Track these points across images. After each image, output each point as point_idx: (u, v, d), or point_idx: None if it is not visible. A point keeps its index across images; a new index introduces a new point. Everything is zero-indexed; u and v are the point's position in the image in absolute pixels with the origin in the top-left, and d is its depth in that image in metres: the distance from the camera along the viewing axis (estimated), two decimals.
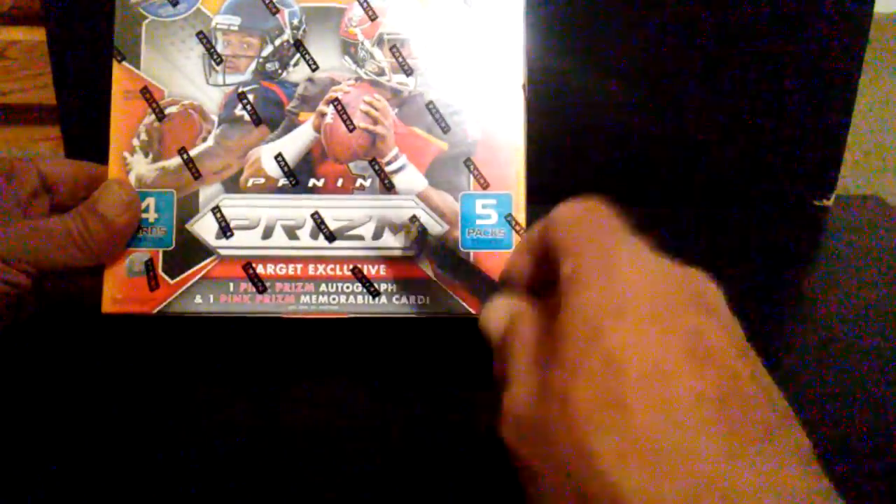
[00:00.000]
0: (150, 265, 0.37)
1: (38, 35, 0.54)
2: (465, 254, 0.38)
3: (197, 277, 0.37)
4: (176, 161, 0.38)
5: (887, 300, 0.49)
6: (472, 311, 0.37)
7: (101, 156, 0.38)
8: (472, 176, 0.38)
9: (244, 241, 0.37)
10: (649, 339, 0.22)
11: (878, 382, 0.42)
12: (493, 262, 0.37)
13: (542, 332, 0.25)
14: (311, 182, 0.38)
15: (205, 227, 0.37)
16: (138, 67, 0.39)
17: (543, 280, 0.28)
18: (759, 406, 0.22)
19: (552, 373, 0.23)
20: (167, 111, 0.38)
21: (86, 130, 0.54)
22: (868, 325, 0.46)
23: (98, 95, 0.39)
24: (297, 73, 0.39)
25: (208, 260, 0.37)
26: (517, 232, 0.38)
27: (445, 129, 0.39)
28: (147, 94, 0.38)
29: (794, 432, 0.22)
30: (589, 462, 0.21)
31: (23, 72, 0.56)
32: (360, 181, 0.38)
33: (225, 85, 0.39)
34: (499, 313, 0.28)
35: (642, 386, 0.21)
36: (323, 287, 0.37)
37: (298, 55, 0.39)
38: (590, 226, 0.26)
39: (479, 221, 0.38)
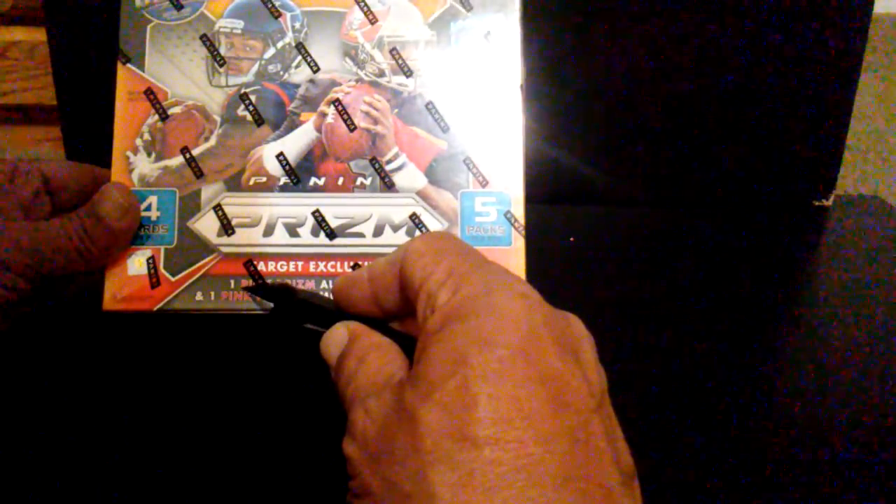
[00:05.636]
0: (151, 263, 0.37)
1: (38, 35, 0.55)
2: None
3: (198, 275, 0.37)
4: (178, 160, 0.38)
5: (887, 300, 0.49)
6: None
7: (101, 156, 0.39)
8: (471, 174, 0.38)
9: (245, 239, 0.37)
10: (512, 375, 0.21)
11: (878, 382, 0.42)
12: (493, 259, 0.37)
13: (391, 355, 0.25)
14: (312, 180, 0.38)
15: (206, 225, 0.38)
16: (142, 69, 0.39)
17: (387, 308, 0.27)
18: (606, 466, 0.21)
19: (407, 394, 0.22)
20: (170, 112, 0.39)
21: (86, 131, 0.54)
22: (868, 324, 0.46)
23: (99, 96, 0.40)
24: (299, 74, 0.40)
25: (210, 257, 0.37)
26: (516, 229, 0.38)
27: (444, 129, 0.39)
28: (151, 95, 0.39)
29: (634, 498, 0.22)
30: (426, 491, 0.20)
31: (23, 72, 0.56)
32: (360, 180, 0.38)
33: (227, 86, 0.39)
34: (337, 336, 0.27)
35: (495, 422, 0.20)
36: (324, 284, 0.37)
37: (300, 57, 0.40)
38: (461, 258, 0.25)
39: (478, 219, 0.38)
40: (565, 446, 0.20)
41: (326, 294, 0.36)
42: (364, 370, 0.25)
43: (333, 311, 0.29)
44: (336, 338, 0.27)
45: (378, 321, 0.28)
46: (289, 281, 0.36)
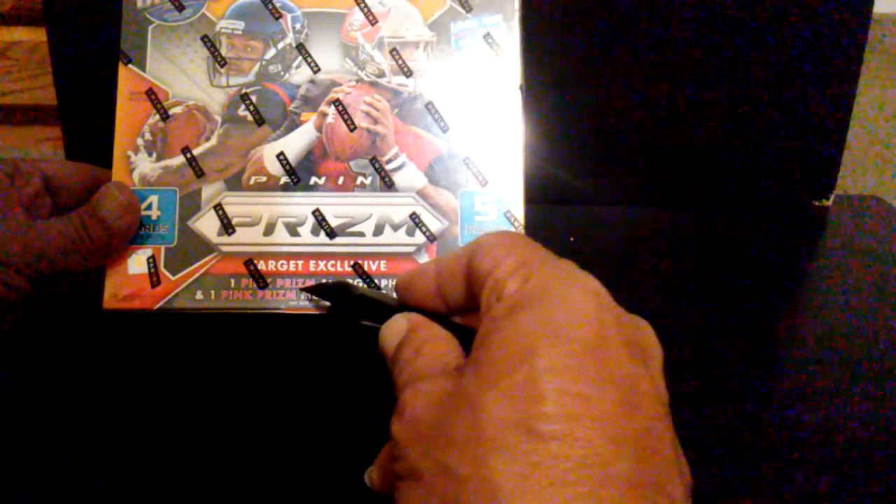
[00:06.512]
0: (151, 262, 0.37)
1: (39, 35, 0.55)
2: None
3: (198, 274, 0.37)
4: (179, 160, 0.38)
5: (887, 300, 0.49)
6: None
7: (101, 156, 0.39)
8: (471, 174, 0.39)
9: (246, 238, 0.38)
10: (582, 372, 0.20)
11: (877, 381, 0.42)
12: None
13: (449, 347, 0.25)
14: (313, 180, 0.38)
15: (207, 225, 0.38)
16: (144, 70, 0.39)
17: (450, 302, 0.27)
18: (673, 477, 0.21)
19: (467, 379, 0.21)
20: (171, 112, 0.39)
21: (86, 131, 0.54)
22: (867, 324, 0.46)
23: (99, 96, 0.40)
24: (300, 75, 0.40)
25: (210, 256, 0.37)
26: (516, 228, 0.38)
27: (444, 129, 0.39)
28: (152, 95, 0.39)
29: None
30: (486, 478, 0.19)
31: (24, 72, 0.56)
32: (360, 179, 0.38)
33: (228, 86, 0.40)
34: (397, 326, 0.27)
35: (562, 418, 0.20)
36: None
37: (301, 58, 0.40)
38: (532, 252, 0.25)
39: (477, 218, 0.38)
40: (634, 450, 0.20)
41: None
42: (420, 358, 0.25)
43: (392, 306, 0.29)
44: (396, 327, 0.27)
45: (439, 316, 0.28)
46: (346, 280, 0.36)
